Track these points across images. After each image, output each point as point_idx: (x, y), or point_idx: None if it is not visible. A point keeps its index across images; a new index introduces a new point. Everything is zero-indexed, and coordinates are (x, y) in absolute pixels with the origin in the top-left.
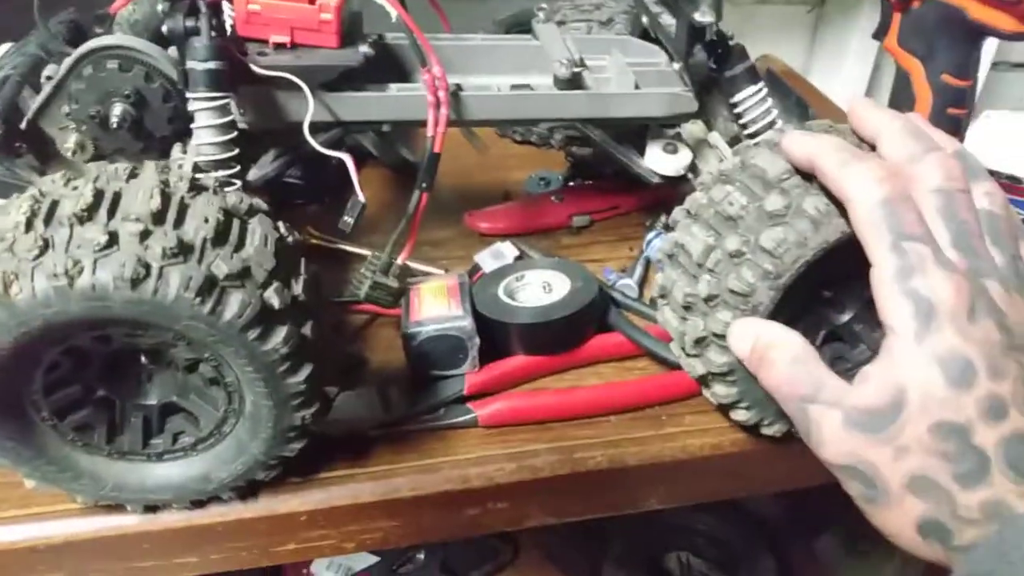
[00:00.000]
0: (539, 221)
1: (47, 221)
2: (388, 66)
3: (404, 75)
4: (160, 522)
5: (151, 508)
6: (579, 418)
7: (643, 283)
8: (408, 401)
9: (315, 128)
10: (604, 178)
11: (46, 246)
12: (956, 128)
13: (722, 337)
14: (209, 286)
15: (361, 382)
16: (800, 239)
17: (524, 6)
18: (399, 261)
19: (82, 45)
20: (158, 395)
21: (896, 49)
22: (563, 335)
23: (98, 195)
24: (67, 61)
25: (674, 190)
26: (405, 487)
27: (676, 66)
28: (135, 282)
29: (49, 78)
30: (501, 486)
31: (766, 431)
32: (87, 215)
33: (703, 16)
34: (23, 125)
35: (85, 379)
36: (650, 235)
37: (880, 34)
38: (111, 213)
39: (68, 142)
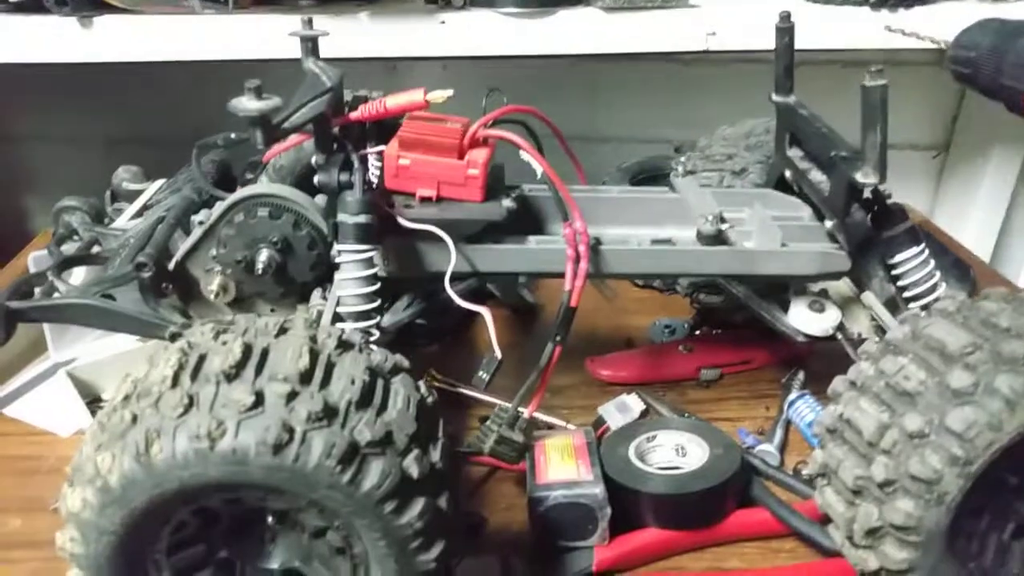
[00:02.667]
0: (665, 371)
1: (194, 377)
2: (527, 217)
3: (541, 226)
4: None
5: None
6: None
7: (784, 449)
8: (532, 572)
9: (453, 278)
10: (733, 328)
11: (191, 404)
12: None
13: (901, 529)
14: (351, 454)
15: (480, 546)
16: (993, 421)
17: (648, 153)
18: (526, 415)
19: (235, 192)
20: (281, 559)
21: None
22: (702, 508)
23: (247, 351)
24: (220, 207)
25: (809, 345)
26: None
27: (829, 224)
28: (277, 448)
29: (201, 223)
30: None
31: None
32: (235, 372)
33: (866, 177)
34: (171, 266)
35: (210, 540)
36: (791, 396)
37: None
38: (259, 371)
39: (212, 284)
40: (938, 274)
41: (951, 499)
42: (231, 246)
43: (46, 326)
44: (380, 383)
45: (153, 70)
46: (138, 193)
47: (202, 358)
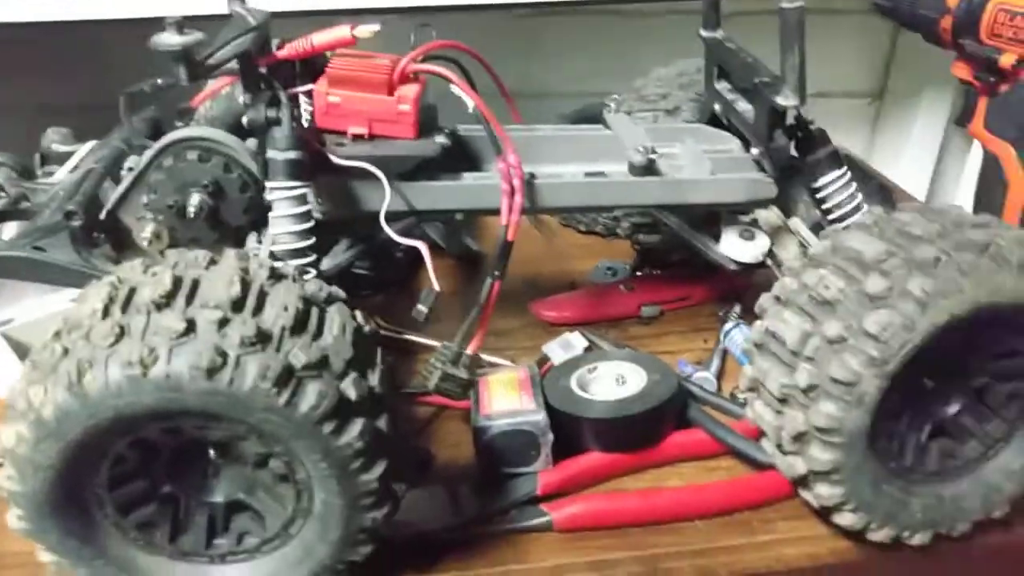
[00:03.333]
0: (607, 311)
1: (124, 308)
2: (461, 157)
3: (476, 166)
4: None
5: None
6: (662, 523)
7: (721, 376)
8: (478, 501)
9: (389, 217)
10: (672, 267)
11: (122, 334)
12: None
13: (825, 431)
14: (286, 376)
15: (428, 480)
16: (907, 322)
17: (587, 101)
18: (469, 351)
19: (164, 137)
20: (225, 492)
21: (983, 134)
22: (641, 431)
23: (177, 282)
24: (148, 152)
25: (746, 280)
26: None
27: (755, 151)
28: (211, 372)
29: (131, 169)
30: None
31: (873, 536)
32: (165, 302)
33: (786, 99)
34: (102, 215)
35: (151, 473)
36: (727, 325)
37: (964, 120)
38: (189, 300)
39: (145, 232)
40: (860, 196)
41: (870, 400)
42: (162, 191)
43: None
44: (315, 311)
45: (81, 31)
46: (69, 155)
47: (132, 290)
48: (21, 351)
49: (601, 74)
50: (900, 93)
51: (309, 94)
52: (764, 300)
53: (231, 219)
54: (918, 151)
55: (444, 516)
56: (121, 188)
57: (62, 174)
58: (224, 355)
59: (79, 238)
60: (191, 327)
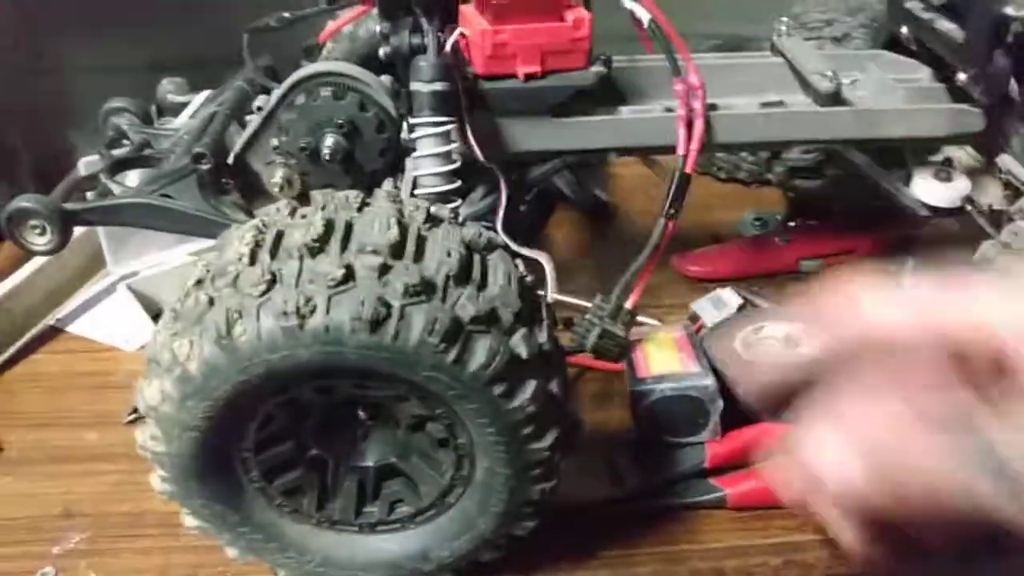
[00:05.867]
0: (759, 265)
1: (273, 253)
2: (614, 91)
3: (633, 101)
4: None
5: None
6: None
7: None
8: (640, 473)
9: (537, 158)
10: (831, 217)
11: (274, 280)
12: None
13: None
14: (455, 330)
15: (581, 449)
16: None
17: (731, 32)
18: (629, 305)
19: (295, 73)
20: (376, 455)
21: None
22: None
23: (329, 225)
24: (279, 90)
25: (918, 230)
26: None
27: (963, 76)
28: (375, 324)
29: (259, 109)
30: None
31: None
32: (318, 246)
33: (1020, 9)
34: (230, 160)
35: (299, 436)
36: (905, 277)
37: None
38: (345, 245)
39: (275, 177)
40: None
41: None
42: (293, 132)
43: (103, 239)
44: (477, 258)
45: None
46: (185, 105)
47: (280, 234)
48: (146, 304)
49: (736, 16)
50: None
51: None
52: (987, 248)
53: (367, 163)
54: None
55: (604, 488)
56: (250, 129)
57: (182, 122)
58: (388, 306)
59: (207, 184)
60: (350, 274)
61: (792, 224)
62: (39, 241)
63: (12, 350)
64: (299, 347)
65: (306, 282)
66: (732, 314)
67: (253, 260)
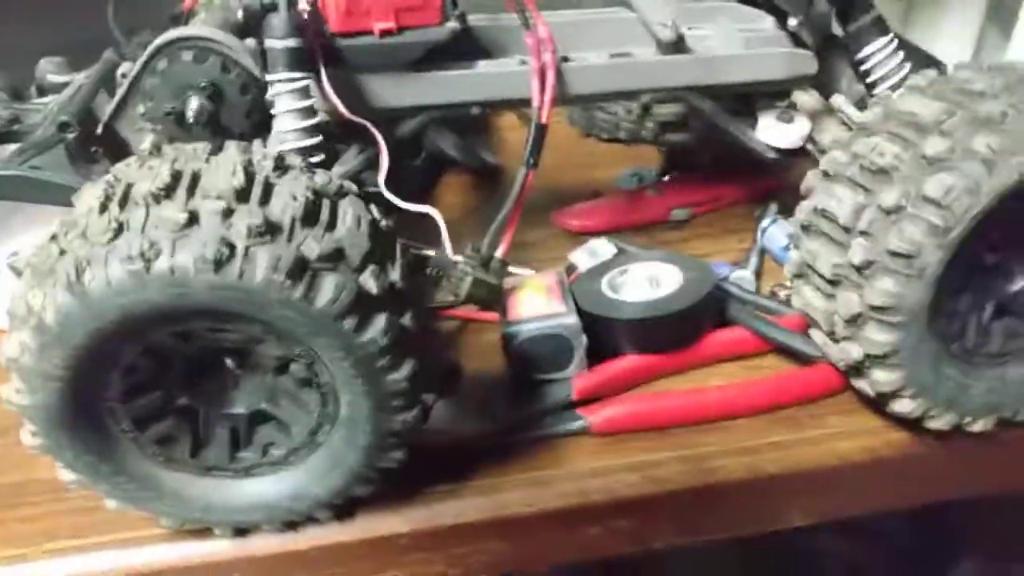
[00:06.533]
0: (634, 216)
1: (122, 204)
2: (473, 47)
3: (488, 55)
4: (251, 548)
5: (241, 531)
6: (705, 423)
7: (759, 275)
8: (512, 409)
9: (400, 114)
10: (701, 169)
11: (120, 229)
12: None
13: (882, 310)
14: (300, 268)
15: (459, 390)
16: (972, 184)
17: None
18: (499, 254)
19: (157, 38)
20: (246, 402)
21: None
22: (678, 330)
23: (176, 175)
24: (142, 56)
25: (780, 179)
26: (516, 502)
27: (793, 22)
28: (218, 263)
29: (124, 75)
30: (624, 500)
31: (932, 424)
32: (164, 194)
33: None
34: (99, 129)
35: (166, 384)
36: (764, 222)
37: None
38: (191, 192)
39: (144, 143)
40: (909, 65)
41: (931, 272)
42: (158, 97)
43: None
44: (326, 203)
45: None
46: (65, 85)
47: (129, 186)
48: None
49: None
50: None
51: None
52: (810, 178)
53: (233, 124)
54: (950, 46)
55: (477, 424)
56: (117, 97)
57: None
58: (231, 246)
59: (76, 153)
60: (193, 218)
61: (666, 177)
62: None
63: None
64: (147, 290)
65: (152, 228)
66: (606, 261)
67: (103, 211)
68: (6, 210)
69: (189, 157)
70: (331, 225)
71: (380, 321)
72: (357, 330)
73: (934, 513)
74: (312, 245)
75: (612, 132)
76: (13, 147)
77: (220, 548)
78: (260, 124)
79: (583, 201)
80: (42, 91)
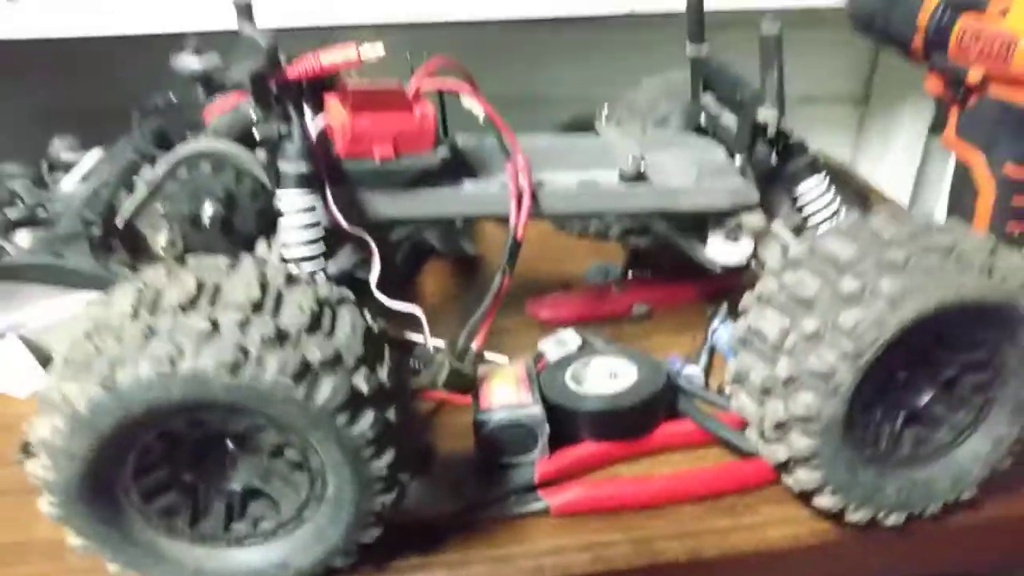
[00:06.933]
0: (600, 310)
1: (152, 310)
2: (459, 167)
3: (474, 174)
4: None
5: None
6: (654, 507)
7: (708, 371)
8: (478, 489)
9: (396, 224)
10: (662, 269)
11: (151, 334)
12: (1022, 217)
13: (804, 420)
14: (303, 371)
15: (431, 470)
16: (878, 319)
17: (579, 109)
18: (474, 347)
19: (179, 148)
20: (242, 480)
21: (956, 142)
22: (633, 421)
23: (200, 286)
24: (164, 163)
25: (732, 280)
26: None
27: (738, 160)
28: (234, 367)
29: (148, 180)
30: None
31: (850, 517)
32: (190, 304)
33: (765, 114)
34: (119, 224)
35: (174, 463)
36: (715, 323)
37: (937, 128)
38: (212, 302)
39: (160, 239)
40: (838, 201)
41: (845, 390)
42: (177, 201)
43: None
44: (328, 311)
45: (80, 44)
46: (74, 163)
47: (158, 293)
48: (38, 353)
49: (592, 82)
50: (884, 99)
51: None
52: (747, 299)
53: (242, 227)
54: (901, 155)
55: (446, 503)
56: (138, 197)
57: (70, 182)
58: (246, 352)
59: (97, 245)
60: (215, 327)
61: (629, 274)
62: None
63: None
64: (171, 388)
65: (178, 334)
66: (572, 352)
67: (135, 316)
68: (10, 286)
69: (211, 269)
70: (331, 332)
71: (368, 416)
72: (348, 424)
73: None
74: (315, 351)
75: (583, 229)
76: (34, 230)
77: None
78: (267, 226)
79: (554, 292)
80: (53, 167)
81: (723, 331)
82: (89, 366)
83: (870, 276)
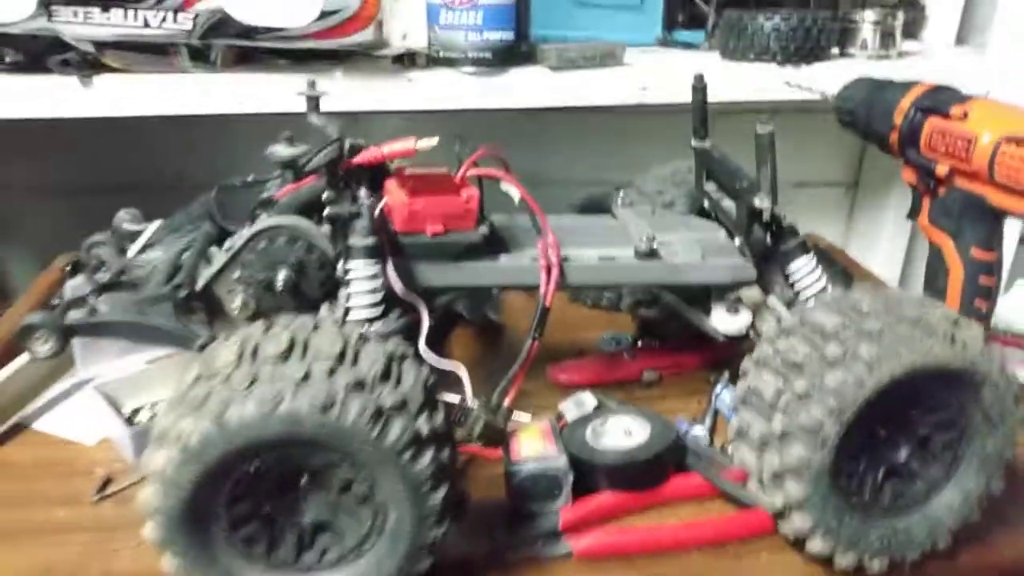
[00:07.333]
0: (613, 375)
1: (252, 360)
2: (496, 243)
3: (508, 249)
4: None
5: None
6: (665, 553)
7: (713, 431)
8: (509, 533)
9: (441, 292)
10: (669, 338)
11: (255, 380)
12: (988, 295)
13: (796, 470)
14: (378, 415)
15: (467, 516)
16: (858, 380)
17: (593, 190)
18: (505, 404)
19: (257, 223)
20: (313, 514)
21: (928, 227)
22: (646, 473)
23: (292, 340)
24: (244, 235)
25: (732, 349)
26: None
27: (737, 241)
28: (324, 409)
29: (227, 249)
30: None
31: (839, 561)
32: (286, 355)
33: (761, 202)
34: (199, 287)
35: (257, 496)
36: (718, 388)
37: (913, 214)
38: (303, 355)
39: (235, 302)
40: (825, 278)
41: (831, 442)
42: (254, 268)
43: (76, 347)
44: (395, 364)
45: (134, 123)
46: (138, 233)
47: (257, 346)
48: (112, 404)
49: (604, 167)
50: (873, 184)
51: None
52: (746, 363)
53: (309, 291)
54: (891, 236)
55: (481, 546)
56: (218, 264)
57: (135, 249)
58: (334, 397)
59: (180, 306)
60: (308, 375)
61: (639, 343)
62: (42, 348)
63: None
64: (271, 425)
65: (278, 380)
66: (589, 412)
67: (239, 365)
68: (93, 341)
69: (299, 327)
70: (399, 381)
71: (428, 455)
72: (412, 461)
73: None
74: (387, 397)
75: (596, 301)
76: (118, 294)
77: None
78: (329, 291)
79: (570, 358)
80: (119, 237)
81: (725, 395)
82: (202, 406)
83: (851, 343)
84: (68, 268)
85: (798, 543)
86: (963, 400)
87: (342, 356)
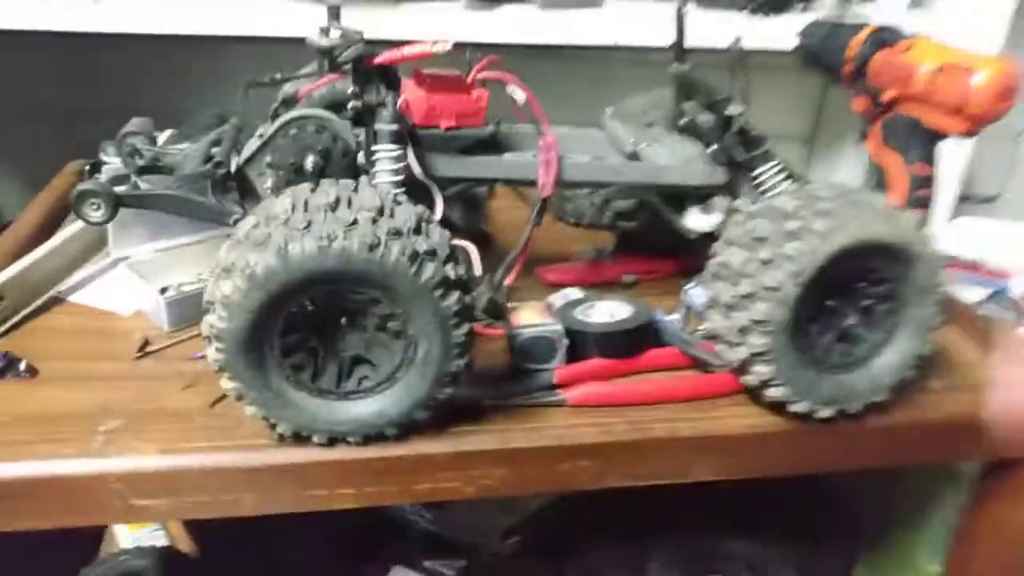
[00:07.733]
0: (596, 276)
1: (305, 209)
2: (501, 145)
3: (511, 149)
4: (336, 454)
5: (332, 441)
6: (645, 404)
7: (685, 322)
8: (512, 384)
9: (452, 182)
10: (646, 249)
11: (311, 223)
12: (925, 204)
13: (761, 323)
14: (415, 256)
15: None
16: (813, 248)
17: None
18: (506, 282)
19: (289, 112)
20: (352, 348)
21: (878, 147)
22: (630, 342)
23: (338, 196)
24: (277, 122)
25: (701, 260)
26: (517, 439)
27: (711, 149)
28: (371, 247)
29: (260, 135)
30: (586, 445)
31: (792, 408)
32: (335, 206)
33: (734, 109)
34: (233, 169)
35: (305, 330)
36: (688, 285)
37: (862, 137)
38: (350, 206)
39: (267, 183)
40: (790, 182)
41: (791, 300)
42: (284, 153)
43: (111, 226)
44: (424, 223)
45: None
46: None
47: (308, 200)
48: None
49: (585, 105)
50: (829, 138)
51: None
52: (717, 245)
53: (334, 177)
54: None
55: (488, 394)
56: (252, 148)
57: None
58: (378, 239)
59: (217, 184)
60: (355, 222)
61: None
62: (95, 215)
63: (28, 310)
64: (326, 260)
65: (331, 223)
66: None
67: (294, 211)
68: (126, 221)
69: (343, 186)
70: (428, 236)
71: (455, 295)
72: (441, 298)
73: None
74: (421, 244)
75: (578, 219)
76: (155, 177)
77: (314, 454)
78: (352, 179)
79: (557, 263)
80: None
81: (696, 292)
82: (265, 242)
83: (808, 220)
84: (87, 168)
85: (758, 392)
86: (900, 274)
87: (381, 210)
